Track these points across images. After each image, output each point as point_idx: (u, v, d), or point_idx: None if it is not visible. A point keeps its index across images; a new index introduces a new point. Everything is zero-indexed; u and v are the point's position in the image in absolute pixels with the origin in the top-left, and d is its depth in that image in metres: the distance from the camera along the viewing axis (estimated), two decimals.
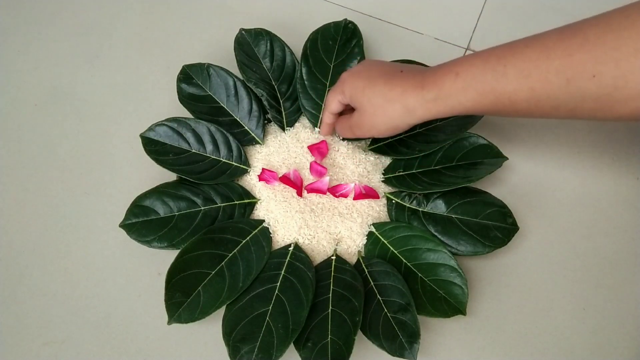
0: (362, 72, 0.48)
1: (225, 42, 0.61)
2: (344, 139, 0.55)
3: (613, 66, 0.34)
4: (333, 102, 0.50)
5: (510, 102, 0.39)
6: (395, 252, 0.48)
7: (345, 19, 0.61)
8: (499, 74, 0.38)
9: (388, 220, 0.52)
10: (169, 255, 0.46)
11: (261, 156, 0.54)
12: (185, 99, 0.56)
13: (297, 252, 0.48)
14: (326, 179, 0.52)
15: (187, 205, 0.49)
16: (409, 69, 0.47)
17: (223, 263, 0.46)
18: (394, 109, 0.44)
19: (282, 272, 0.46)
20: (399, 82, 0.45)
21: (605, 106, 0.36)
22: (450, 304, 0.45)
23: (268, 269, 0.47)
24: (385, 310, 0.44)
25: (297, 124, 0.57)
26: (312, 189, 0.51)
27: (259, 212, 0.51)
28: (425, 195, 0.51)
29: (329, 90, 0.55)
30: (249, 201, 0.52)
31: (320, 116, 0.56)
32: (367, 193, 0.52)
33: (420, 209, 0.51)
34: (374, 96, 0.45)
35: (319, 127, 0.55)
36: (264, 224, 0.50)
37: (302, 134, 0.56)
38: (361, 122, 0.48)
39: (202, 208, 0.50)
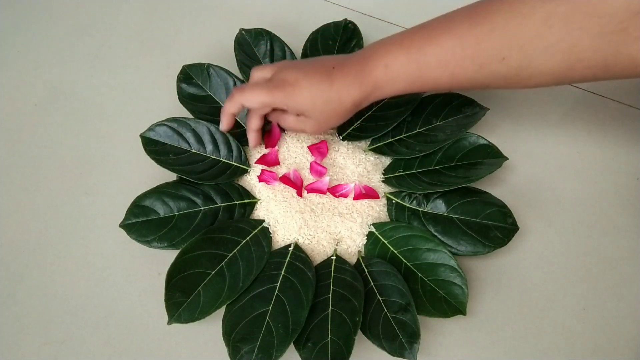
0: (288, 79, 0.46)
1: (225, 42, 0.61)
2: (344, 139, 0.55)
3: (518, 50, 0.40)
4: (254, 118, 0.50)
5: (434, 84, 0.45)
6: (395, 252, 0.48)
7: (345, 19, 0.61)
8: (422, 64, 0.44)
9: (388, 220, 0.52)
10: (169, 255, 0.46)
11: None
12: (185, 99, 0.56)
13: (297, 252, 0.48)
14: (326, 179, 0.52)
15: (187, 205, 0.49)
16: (338, 63, 0.47)
17: (223, 263, 0.46)
18: (345, 108, 0.47)
19: (282, 272, 0.46)
20: (339, 80, 0.46)
21: (513, 82, 0.43)
22: (450, 304, 0.45)
23: (268, 269, 0.47)
24: (385, 310, 0.44)
25: None
26: (312, 189, 0.51)
27: (259, 212, 0.51)
28: (425, 195, 0.51)
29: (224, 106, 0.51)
30: (249, 201, 0.51)
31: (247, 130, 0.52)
32: (367, 193, 0.52)
33: (420, 209, 0.51)
34: (320, 102, 0.46)
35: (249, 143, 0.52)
36: (264, 224, 0.50)
37: (302, 134, 0.56)
38: (309, 125, 0.49)
39: (202, 208, 0.50)
